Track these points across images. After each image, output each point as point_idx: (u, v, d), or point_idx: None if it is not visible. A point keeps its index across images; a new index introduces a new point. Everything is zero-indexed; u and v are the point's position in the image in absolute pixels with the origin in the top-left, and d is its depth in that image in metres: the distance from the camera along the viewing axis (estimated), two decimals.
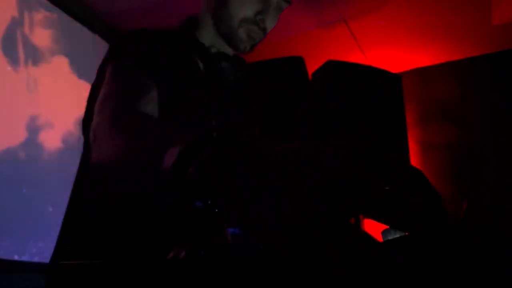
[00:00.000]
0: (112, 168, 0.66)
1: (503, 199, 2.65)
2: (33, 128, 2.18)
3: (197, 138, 0.48)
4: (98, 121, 0.72)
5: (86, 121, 0.88)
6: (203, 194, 0.46)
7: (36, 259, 2.07)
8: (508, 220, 2.53)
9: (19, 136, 2.08)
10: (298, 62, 2.16)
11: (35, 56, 2.27)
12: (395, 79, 2.30)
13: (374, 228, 3.04)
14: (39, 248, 2.10)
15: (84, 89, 2.50)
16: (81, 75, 2.46)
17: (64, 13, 2.51)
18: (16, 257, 2.01)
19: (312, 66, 2.21)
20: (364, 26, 2.84)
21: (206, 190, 0.46)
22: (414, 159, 2.93)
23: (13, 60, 2.14)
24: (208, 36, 0.95)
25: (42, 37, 2.33)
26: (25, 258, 2.05)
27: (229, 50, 0.96)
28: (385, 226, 3.14)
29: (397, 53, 3.16)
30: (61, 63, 2.39)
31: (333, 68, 2.12)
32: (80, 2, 2.64)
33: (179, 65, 0.87)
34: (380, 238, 2.82)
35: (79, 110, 0.94)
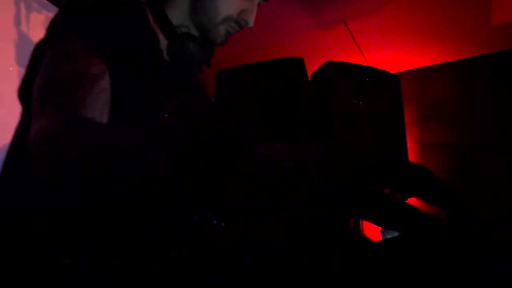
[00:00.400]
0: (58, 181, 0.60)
1: (502, 199, 2.65)
2: None
3: (191, 145, 0.46)
4: (41, 125, 0.62)
5: (23, 93, 0.84)
6: (199, 207, 0.45)
7: None
8: (508, 220, 2.53)
9: None
10: (297, 63, 2.17)
11: None
12: (394, 79, 2.31)
13: (373, 228, 3.04)
14: None
15: None
16: None
17: None
18: None
19: (312, 66, 2.21)
20: (363, 26, 2.85)
21: (203, 202, 0.44)
22: (413, 159, 2.94)
23: (14, 60, 2.14)
24: (178, 16, 0.90)
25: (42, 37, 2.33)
26: None
27: (197, 33, 0.92)
28: None
29: (396, 54, 3.17)
30: None
31: (332, 69, 2.13)
32: None
33: (137, 44, 0.79)
34: (379, 237, 2.83)
35: None
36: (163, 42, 0.87)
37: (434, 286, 0.36)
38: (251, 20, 0.90)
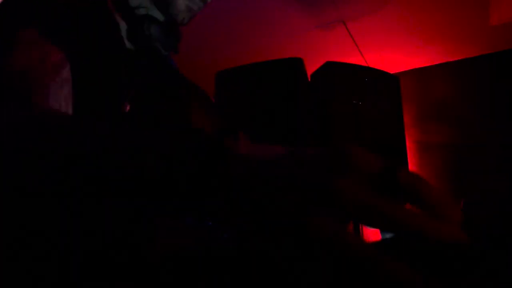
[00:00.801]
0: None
1: (502, 199, 2.66)
2: None
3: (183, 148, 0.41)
4: (6, 117, 0.54)
5: None
6: (195, 210, 0.40)
7: None
8: (507, 220, 2.54)
9: None
10: (297, 63, 2.17)
11: None
12: (393, 79, 2.31)
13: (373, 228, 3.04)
14: None
15: None
16: None
17: None
18: None
19: (312, 66, 2.22)
20: (363, 27, 2.85)
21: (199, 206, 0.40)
22: (412, 159, 2.94)
23: None
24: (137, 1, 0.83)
25: None
26: None
27: (159, 16, 0.84)
28: None
29: (395, 54, 3.18)
30: None
31: (332, 69, 2.13)
32: None
33: (95, 31, 0.73)
34: (379, 236, 2.83)
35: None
36: (123, 26, 0.79)
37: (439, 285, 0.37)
38: None
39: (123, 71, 0.74)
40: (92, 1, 0.75)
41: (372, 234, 3.00)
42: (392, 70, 2.91)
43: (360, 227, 2.14)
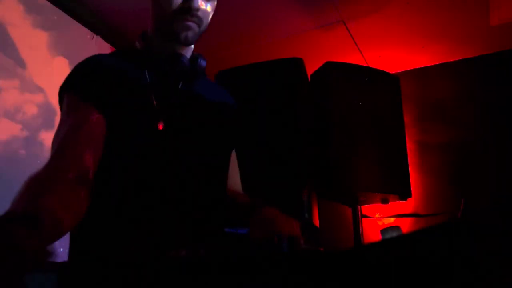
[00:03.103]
0: None
1: (501, 199, 2.66)
2: (34, 127, 2.19)
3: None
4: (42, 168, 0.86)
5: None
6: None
7: None
8: (507, 220, 2.53)
9: (19, 134, 2.09)
10: (297, 63, 2.17)
11: (35, 56, 2.27)
12: (393, 79, 2.31)
13: (373, 228, 3.05)
14: None
15: None
16: None
17: (64, 13, 2.51)
18: None
19: (312, 66, 2.22)
20: (363, 27, 2.85)
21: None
22: (412, 159, 2.94)
23: (13, 60, 2.15)
24: (156, 42, 1.06)
25: (42, 37, 2.33)
26: None
27: (178, 48, 1.05)
28: (383, 226, 3.13)
29: (395, 54, 3.18)
30: (61, 63, 2.40)
31: (332, 69, 2.13)
32: (80, 2, 2.65)
33: (126, 84, 0.98)
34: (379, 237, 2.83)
35: None
36: (147, 75, 1.03)
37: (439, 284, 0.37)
38: (196, 5, 0.99)
39: (150, 100, 0.98)
40: (124, 63, 1.04)
41: (372, 235, 3.01)
42: (392, 70, 2.91)
43: (360, 222, 2.14)
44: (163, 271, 0.72)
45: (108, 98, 0.94)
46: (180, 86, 1.05)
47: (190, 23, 1.00)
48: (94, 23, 2.72)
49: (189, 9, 0.98)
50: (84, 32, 2.63)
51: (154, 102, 0.97)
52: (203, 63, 1.08)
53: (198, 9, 0.99)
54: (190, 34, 1.01)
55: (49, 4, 2.42)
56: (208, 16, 1.04)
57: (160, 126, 0.95)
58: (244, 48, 2.95)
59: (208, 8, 1.04)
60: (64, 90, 0.97)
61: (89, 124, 0.90)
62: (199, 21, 1.01)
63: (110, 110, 0.93)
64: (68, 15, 2.53)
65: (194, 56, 1.08)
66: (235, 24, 2.79)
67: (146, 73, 1.01)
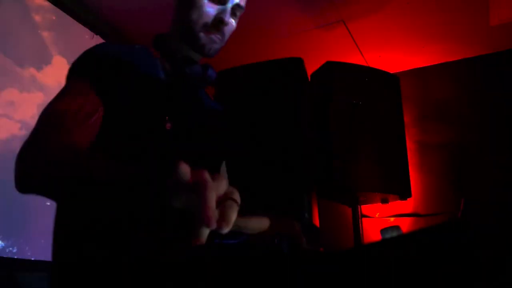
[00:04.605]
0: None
1: (501, 199, 2.66)
2: (32, 126, 2.19)
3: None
4: (29, 144, 0.84)
5: None
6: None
7: (38, 258, 2.08)
8: (507, 219, 2.54)
9: (19, 134, 2.09)
10: (297, 63, 2.17)
11: (34, 56, 2.27)
12: (393, 79, 2.31)
13: (373, 227, 3.05)
14: (42, 245, 2.10)
15: None
16: None
17: (64, 13, 2.51)
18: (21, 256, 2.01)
19: (312, 66, 2.22)
20: (363, 27, 2.85)
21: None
22: (412, 159, 2.94)
23: (13, 60, 2.15)
24: (174, 44, 1.06)
25: (42, 37, 2.33)
26: (29, 256, 2.06)
27: (195, 56, 1.06)
28: (383, 226, 3.13)
29: (395, 54, 3.18)
30: (60, 63, 2.40)
31: (332, 69, 2.13)
32: (81, 2, 2.65)
33: (138, 76, 0.96)
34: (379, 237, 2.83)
35: None
36: (161, 72, 1.02)
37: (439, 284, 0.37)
38: (227, 20, 1.02)
39: (162, 98, 0.97)
40: (138, 49, 1.02)
41: (372, 235, 3.01)
42: (392, 70, 2.91)
43: (360, 222, 2.14)
44: (163, 270, 0.72)
45: (116, 88, 0.92)
46: (191, 91, 1.06)
47: (217, 37, 1.02)
48: (94, 22, 2.72)
49: (219, 23, 1.01)
50: (83, 32, 2.63)
51: (165, 101, 0.97)
52: (213, 74, 1.09)
53: (227, 24, 1.02)
54: (215, 47, 1.03)
55: (48, 4, 2.42)
56: (231, 32, 1.07)
57: (168, 126, 0.94)
58: (244, 48, 2.95)
59: (234, 24, 1.06)
60: (73, 73, 0.94)
61: (87, 108, 0.88)
62: (223, 36, 1.04)
63: (115, 100, 0.91)
64: (68, 14, 2.53)
65: (205, 65, 1.09)
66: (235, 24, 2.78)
67: (160, 71, 1.01)
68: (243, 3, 1.06)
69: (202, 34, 1.01)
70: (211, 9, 1.01)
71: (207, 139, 1.06)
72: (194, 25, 1.00)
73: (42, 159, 0.77)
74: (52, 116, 0.86)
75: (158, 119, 0.94)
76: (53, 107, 0.87)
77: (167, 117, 0.94)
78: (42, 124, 0.85)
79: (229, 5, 1.03)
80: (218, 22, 1.00)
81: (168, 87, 1.00)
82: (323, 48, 3.04)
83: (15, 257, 2.01)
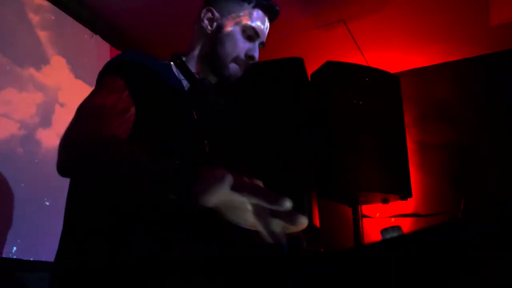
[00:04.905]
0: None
1: (501, 199, 2.66)
2: (32, 126, 2.18)
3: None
4: (69, 133, 0.87)
5: None
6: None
7: (38, 258, 2.08)
8: (507, 219, 2.53)
9: (18, 134, 2.09)
10: (297, 63, 2.17)
11: (33, 55, 2.27)
12: (394, 79, 2.31)
13: (373, 228, 3.05)
14: (44, 246, 2.10)
15: (83, 89, 2.50)
16: (80, 75, 2.46)
17: (63, 13, 2.51)
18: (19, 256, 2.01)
19: (312, 66, 2.22)
20: (363, 27, 2.85)
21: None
22: (412, 159, 2.94)
23: (12, 60, 2.14)
24: (193, 66, 1.14)
25: (41, 37, 2.33)
26: (29, 257, 2.05)
27: (213, 79, 1.14)
28: (383, 226, 3.13)
29: (395, 54, 3.17)
30: (60, 63, 2.40)
31: (332, 69, 2.13)
32: (80, 2, 2.65)
33: (166, 84, 1.03)
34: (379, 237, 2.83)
35: None
36: (185, 83, 1.09)
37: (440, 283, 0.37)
38: (256, 56, 1.13)
39: (196, 120, 1.04)
40: (164, 67, 1.08)
41: (372, 235, 3.00)
42: (392, 70, 2.90)
43: (361, 221, 2.14)
44: (163, 271, 0.72)
45: (147, 94, 0.96)
46: (212, 104, 1.13)
47: (243, 69, 1.13)
48: (93, 22, 2.72)
49: (250, 59, 1.12)
50: (83, 32, 2.62)
51: (194, 114, 1.03)
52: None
53: (256, 60, 1.13)
54: (237, 77, 1.14)
55: (47, 3, 2.42)
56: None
57: (206, 150, 1.01)
58: None
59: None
60: (108, 71, 0.99)
61: (123, 105, 0.93)
62: (248, 65, 1.15)
63: (147, 106, 0.95)
64: (67, 14, 2.53)
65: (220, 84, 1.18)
66: None
67: (184, 85, 1.08)
68: (265, 40, 1.18)
69: (232, 65, 1.11)
70: (243, 45, 1.11)
71: (237, 156, 1.14)
72: (227, 56, 1.10)
73: (87, 145, 0.81)
74: (91, 108, 0.91)
75: (197, 142, 1.01)
76: (92, 101, 0.93)
77: (205, 141, 1.01)
78: (83, 115, 0.90)
79: (257, 43, 1.15)
80: (249, 58, 1.11)
81: (196, 107, 1.06)
82: (323, 48, 3.04)
83: (15, 257, 2.01)
